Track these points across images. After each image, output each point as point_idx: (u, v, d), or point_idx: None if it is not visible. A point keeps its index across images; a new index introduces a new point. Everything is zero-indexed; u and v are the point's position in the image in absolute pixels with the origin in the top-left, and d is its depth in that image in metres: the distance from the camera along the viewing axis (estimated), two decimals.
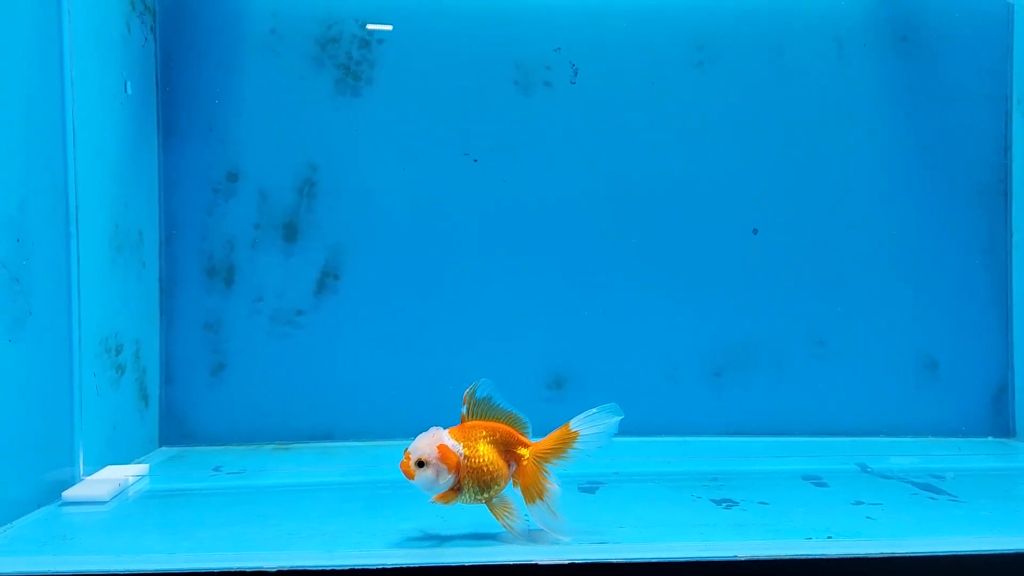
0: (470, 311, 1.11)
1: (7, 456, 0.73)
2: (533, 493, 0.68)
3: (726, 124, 1.11)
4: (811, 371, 1.12)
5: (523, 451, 0.69)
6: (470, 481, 0.67)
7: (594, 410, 0.68)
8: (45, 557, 0.64)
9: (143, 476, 0.91)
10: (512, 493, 0.70)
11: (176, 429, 1.10)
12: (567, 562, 0.64)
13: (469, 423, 0.68)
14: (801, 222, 1.12)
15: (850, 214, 1.12)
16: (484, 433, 0.68)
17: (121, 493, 0.84)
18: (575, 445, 0.68)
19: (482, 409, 0.69)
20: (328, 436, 1.12)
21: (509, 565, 0.63)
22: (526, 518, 0.69)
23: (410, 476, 0.67)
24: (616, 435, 1.13)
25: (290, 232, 1.11)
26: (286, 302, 1.11)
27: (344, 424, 1.12)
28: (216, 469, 0.96)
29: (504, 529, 0.68)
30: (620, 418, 0.69)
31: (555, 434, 0.69)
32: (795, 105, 1.12)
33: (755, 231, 1.12)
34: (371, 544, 0.67)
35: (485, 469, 0.67)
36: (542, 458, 0.69)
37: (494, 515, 0.69)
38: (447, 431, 0.68)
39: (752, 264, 1.12)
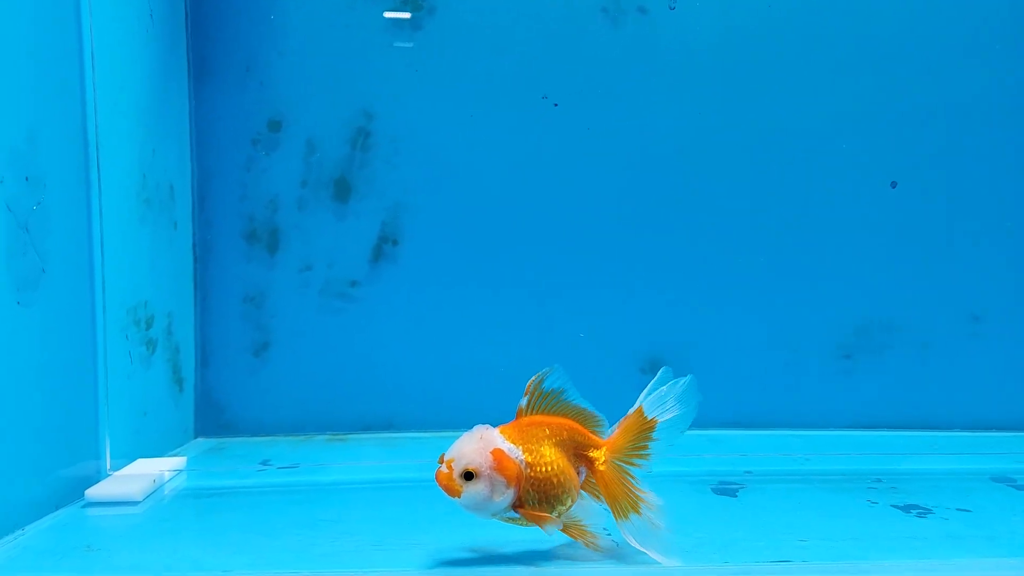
0: (550, 282, 0.95)
1: (18, 445, 0.59)
2: (625, 505, 0.51)
3: (858, 55, 0.93)
4: (964, 353, 0.94)
5: (596, 453, 0.52)
6: (533, 496, 0.50)
7: (663, 388, 0.52)
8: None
9: (180, 471, 0.76)
10: (584, 505, 0.53)
11: (214, 417, 0.96)
12: None
13: (527, 419, 0.52)
14: (950, 172, 0.94)
15: (1010, 161, 0.94)
16: (547, 432, 0.51)
17: (156, 491, 0.70)
18: (654, 436, 0.52)
19: (548, 403, 0.52)
20: (388, 426, 0.97)
21: None
22: (606, 531, 0.52)
23: (453, 493, 0.49)
24: (726, 427, 0.99)
25: (342, 190, 0.97)
26: (338, 272, 0.96)
27: (406, 412, 0.97)
28: (264, 463, 0.82)
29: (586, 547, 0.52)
30: (699, 396, 0.52)
31: (627, 424, 0.52)
32: (941, 33, 0.94)
33: (894, 184, 0.94)
34: (458, 561, 0.52)
35: (554, 480, 0.50)
36: (620, 458, 0.52)
37: (570, 536, 0.52)
38: (499, 430, 0.51)
39: (890, 224, 0.94)
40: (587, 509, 0.53)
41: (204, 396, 0.95)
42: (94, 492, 0.66)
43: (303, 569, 0.51)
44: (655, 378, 0.53)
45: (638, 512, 0.51)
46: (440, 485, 0.49)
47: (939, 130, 0.94)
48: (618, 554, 0.51)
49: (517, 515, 0.51)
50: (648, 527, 0.50)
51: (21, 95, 0.61)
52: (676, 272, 0.95)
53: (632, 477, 0.52)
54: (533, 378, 0.52)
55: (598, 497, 0.53)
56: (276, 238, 0.96)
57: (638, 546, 0.51)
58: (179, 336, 0.89)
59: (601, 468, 0.52)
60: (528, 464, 0.50)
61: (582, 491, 0.53)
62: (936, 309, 0.94)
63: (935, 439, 0.91)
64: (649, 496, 0.52)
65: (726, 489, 0.70)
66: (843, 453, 0.83)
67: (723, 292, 0.95)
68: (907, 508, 0.64)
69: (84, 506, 0.66)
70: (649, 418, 0.52)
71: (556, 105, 0.96)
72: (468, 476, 0.49)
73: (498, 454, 0.50)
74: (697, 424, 0.93)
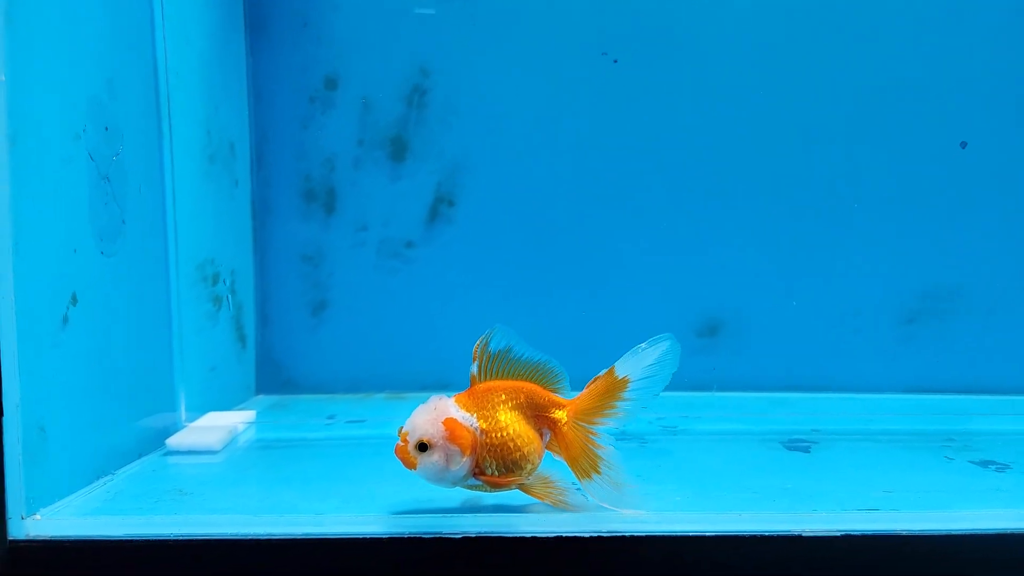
0: (607, 241, 0.93)
1: (107, 394, 0.60)
2: (584, 466, 0.51)
3: (926, 10, 0.89)
4: None
5: (559, 413, 0.51)
6: (492, 463, 0.50)
7: (643, 345, 0.51)
8: (169, 517, 0.51)
9: (251, 424, 0.78)
10: (550, 465, 0.53)
11: (274, 375, 0.96)
12: (839, 533, 0.49)
13: (482, 385, 0.51)
14: (1021, 132, 0.90)
15: None
16: (503, 397, 0.50)
17: (231, 442, 0.71)
18: (625, 396, 0.50)
19: (499, 365, 0.51)
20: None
21: (765, 536, 0.49)
22: (575, 486, 0.52)
23: (410, 464, 0.49)
24: (787, 390, 0.99)
25: (398, 149, 0.96)
26: (394, 231, 0.96)
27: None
28: (330, 417, 0.83)
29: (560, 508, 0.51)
30: (678, 355, 0.51)
31: (597, 385, 0.51)
32: None
33: (963, 144, 0.91)
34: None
35: (510, 445, 0.50)
36: (585, 419, 0.51)
37: (535, 498, 0.52)
38: (453, 399, 0.51)
39: (958, 186, 0.90)
40: (552, 469, 0.53)
41: (264, 354, 0.96)
42: (175, 441, 0.68)
43: (390, 513, 0.52)
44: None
45: (598, 472, 0.50)
46: (398, 458, 0.49)
47: (1011, 88, 0.91)
48: (593, 507, 0.51)
49: (479, 482, 0.50)
50: (610, 485, 0.50)
51: (100, 43, 0.61)
52: (736, 234, 0.93)
53: (595, 435, 0.51)
54: (478, 342, 0.52)
55: (559, 456, 0.53)
56: (333, 197, 0.96)
57: (603, 504, 0.50)
58: (241, 294, 0.90)
59: (564, 429, 0.52)
60: (483, 431, 0.50)
61: (548, 451, 0.53)
62: (1003, 274, 0.92)
63: (1000, 403, 0.89)
64: (607, 451, 0.50)
65: (797, 446, 0.69)
66: (910, 414, 0.82)
67: (783, 255, 0.93)
68: (984, 464, 0.64)
69: (165, 454, 0.67)
70: (620, 376, 0.51)
71: (616, 61, 0.95)
72: (423, 447, 0.49)
73: (450, 423, 0.49)
74: (758, 386, 0.95)
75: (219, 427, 0.71)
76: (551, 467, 0.53)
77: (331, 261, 0.98)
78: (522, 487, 0.52)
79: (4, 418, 0.47)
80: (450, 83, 0.95)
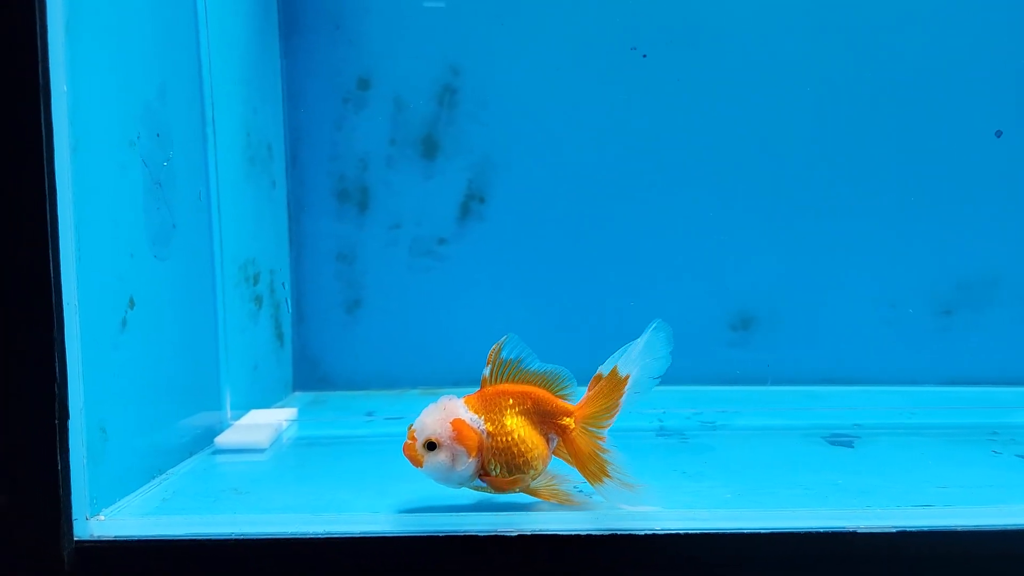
0: (639, 237, 0.94)
1: (161, 394, 0.61)
2: (594, 470, 0.51)
3: (961, 3, 0.90)
4: None
5: (567, 420, 0.52)
6: (497, 465, 0.51)
7: (640, 341, 0.51)
8: (230, 516, 0.52)
9: (293, 421, 0.79)
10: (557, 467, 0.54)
11: (310, 372, 0.98)
12: (894, 529, 0.50)
13: (492, 388, 0.52)
14: None
15: None
16: (511, 401, 0.51)
17: (277, 440, 0.73)
18: (625, 392, 0.51)
19: (510, 371, 0.52)
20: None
21: (819, 533, 0.49)
22: (577, 487, 0.53)
23: (417, 463, 0.51)
24: (823, 383, 0.95)
25: (429, 148, 0.97)
26: (426, 229, 0.96)
27: None
28: (369, 414, 0.84)
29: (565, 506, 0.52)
30: (668, 335, 0.52)
31: (600, 387, 0.52)
32: None
33: (999, 134, 0.91)
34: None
35: (514, 450, 0.50)
36: (592, 423, 0.52)
37: (541, 498, 0.53)
38: (463, 400, 0.52)
39: (994, 176, 0.91)
40: (558, 473, 0.53)
41: (301, 351, 0.97)
42: (223, 440, 0.69)
43: (443, 511, 0.53)
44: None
45: (608, 475, 0.51)
46: (406, 456, 0.51)
47: None
48: (599, 505, 0.51)
49: (484, 484, 0.51)
50: (622, 487, 0.50)
51: (152, 51, 0.62)
52: (770, 227, 0.93)
53: (601, 439, 0.52)
54: (493, 348, 0.52)
55: (571, 463, 0.54)
56: (366, 196, 0.97)
57: (619, 504, 0.50)
58: (279, 293, 0.91)
59: (572, 435, 0.52)
60: (489, 433, 0.51)
61: (555, 457, 0.53)
62: None
63: None
64: (613, 455, 0.51)
65: (840, 440, 0.70)
66: (951, 407, 0.82)
67: (818, 248, 0.93)
68: None
69: (214, 453, 0.68)
70: (622, 375, 0.51)
71: (645, 56, 0.95)
72: (431, 446, 0.50)
73: (458, 424, 0.50)
74: (792, 380, 0.95)
75: (265, 425, 0.72)
76: (557, 469, 0.54)
77: (365, 259, 0.98)
78: (527, 490, 0.53)
79: (70, 420, 0.49)
80: (480, 81, 0.96)
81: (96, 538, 0.50)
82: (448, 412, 0.51)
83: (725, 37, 0.93)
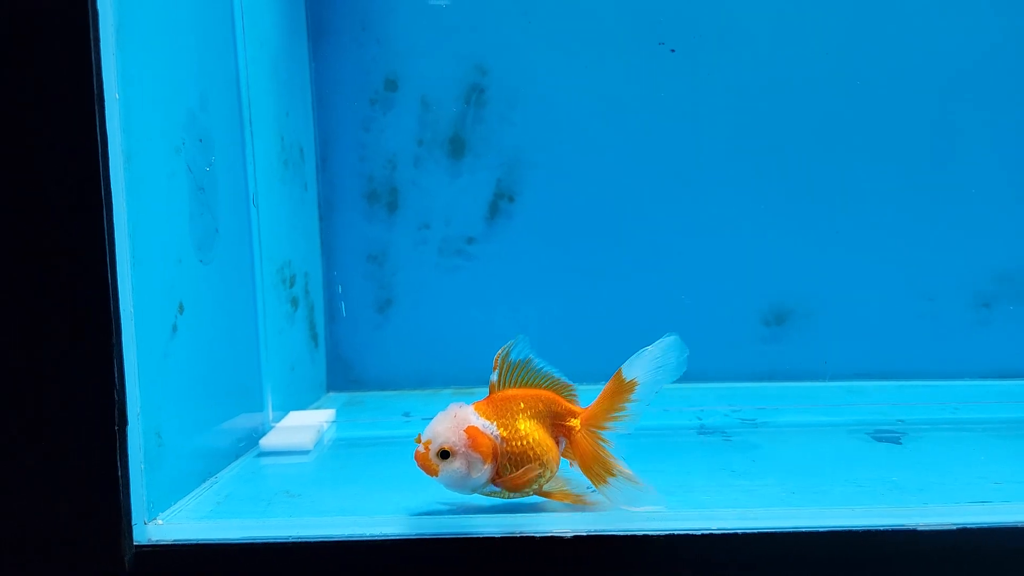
0: (670, 233, 0.94)
1: (210, 397, 0.62)
2: (599, 472, 0.51)
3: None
4: None
5: (573, 421, 0.52)
6: (512, 470, 0.50)
7: (650, 348, 0.51)
8: (286, 520, 0.52)
9: (332, 422, 0.79)
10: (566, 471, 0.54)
11: (343, 372, 0.98)
12: (954, 526, 0.49)
13: (500, 394, 0.52)
14: None
15: None
16: (523, 405, 0.51)
17: (319, 442, 0.73)
18: (633, 398, 0.51)
19: (519, 375, 0.52)
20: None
21: (880, 530, 0.49)
22: (589, 488, 0.52)
23: (431, 471, 0.50)
24: (860, 378, 0.95)
25: (457, 148, 0.97)
26: (455, 229, 0.96)
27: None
28: (406, 415, 0.84)
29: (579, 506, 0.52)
30: (686, 354, 0.51)
31: (606, 390, 0.52)
32: None
33: None
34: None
35: (530, 453, 0.50)
36: (596, 425, 0.52)
37: (554, 499, 0.53)
38: (473, 407, 0.52)
39: None
40: (568, 475, 0.53)
41: (333, 352, 0.97)
42: (267, 442, 0.69)
43: (492, 512, 0.53)
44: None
45: (612, 475, 0.51)
46: (419, 465, 0.51)
47: None
48: (614, 505, 0.51)
49: (498, 489, 0.51)
50: (627, 485, 0.50)
51: (194, 57, 0.62)
52: (803, 219, 0.92)
53: (606, 442, 0.52)
54: (499, 351, 0.52)
55: (574, 464, 0.54)
56: (395, 197, 0.97)
57: (625, 506, 0.51)
58: (313, 294, 0.91)
59: (577, 437, 0.52)
60: (504, 439, 0.50)
61: (564, 459, 0.53)
62: None
63: None
64: (619, 465, 0.51)
65: (886, 436, 0.69)
66: (994, 401, 0.81)
67: (852, 240, 0.92)
68: None
69: (259, 455, 0.68)
70: (628, 380, 0.51)
71: (673, 51, 0.94)
72: (444, 455, 0.50)
73: (472, 431, 0.50)
74: (832, 375, 0.95)
75: (307, 427, 0.72)
76: (566, 472, 0.54)
77: (395, 259, 0.98)
78: (540, 492, 0.53)
79: (128, 426, 0.49)
80: (507, 80, 0.96)
81: (155, 542, 0.51)
82: (460, 419, 0.51)
83: (755, 31, 0.92)
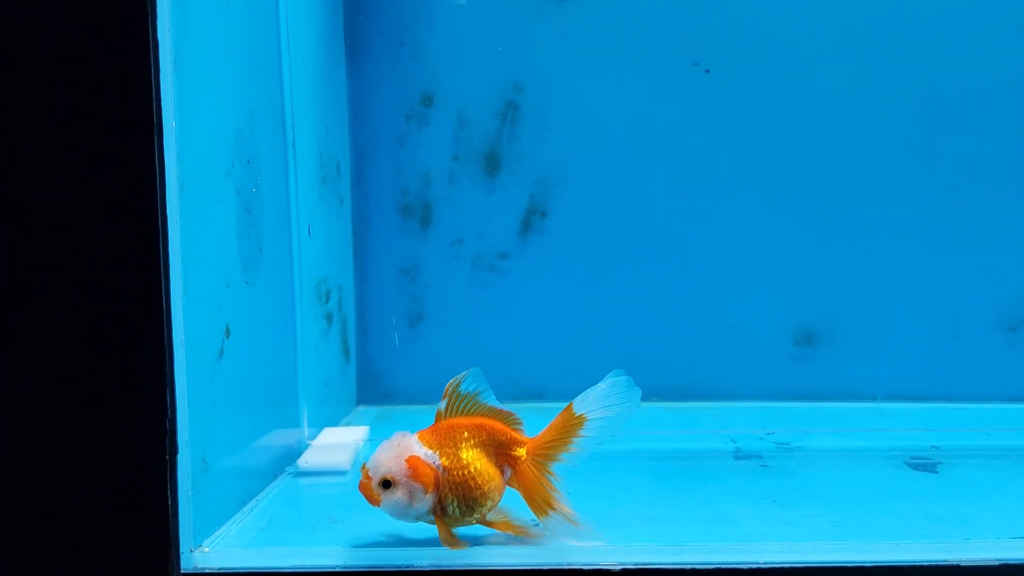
0: (700, 252, 0.93)
1: (252, 418, 0.62)
2: (540, 503, 0.52)
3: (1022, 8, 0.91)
4: None
5: (519, 451, 0.52)
6: (454, 499, 0.51)
7: (602, 385, 0.52)
8: (331, 548, 0.52)
9: (367, 441, 0.80)
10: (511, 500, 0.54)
11: (374, 386, 0.98)
12: (996, 562, 0.49)
13: (445, 423, 0.52)
14: None
15: None
16: (466, 434, 0.51)
17: (356, 460, 0.73)
18: (582, 433, 0.51)
19: (466, 405, 0.52)
20: (540, 395, 0.98)
21: (924, 566, 0.49)
22: (534, 522, 0.53)
23: (374, 502, 0.51)
24: (886, 400, 0.96)
25: (491, 164, 0.97)
26: (488, 244, 0.97)
27: (557, 382, 0.98)
28: None
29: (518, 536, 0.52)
30: (638, 394, 0.51)
31: (554, 422, 0.53)
32: None
33: None
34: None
35: (471, 483, 0.50)
36: (544, 456, 0.52)
37: (495, 528, 0.53)
38: (416, 435, 0.52)
39: None
40: (513, 507, 0.53)
41: (364, 366, 0.98)
42: (305, 462, 0.69)
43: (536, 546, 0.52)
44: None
45: (553, 508, 0.51)
46: (362, 494, 0.51)
47: None
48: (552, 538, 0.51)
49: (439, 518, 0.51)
50: (564, 523, 0.51)
51: (243, 79, 0.63)
52: (835, 241, 0.92)
53: (552, 475, 0.52)
54: (451, 381, 0.53)
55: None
56: (429, 212, 0.97)
57: (565, 540, 0.51)
58: (346, 308, 0.92)
59: (522, 467, 0.52)
60: (445, 468, 0.51)
61: (510, 488, 0.53)
62: None
63: None
64: (559, 502, 0.51)
65: (922, 465, 0.69)
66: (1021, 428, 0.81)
67: (883, 262, 0.92)
68: None
69: (297, 475, 0.69)
70: (578, 414, 0.51)
71: (707, 71, 0.94)
72: (386, 484, 0.50)
73: (413, 461, 0.50)
74: (859, 396, 0.94)
75: (343, 445, 0.72)
76: (511, 503, 0.54)
77: (427, 274, 0.99)
78: (483, 521, 0.53)
79: (178, 455, 0.49)
80: (542, 98, 0.96)
81: (201, 570, 0.51)
82: (403, 449, 0.51)
83: (788, 51, 0.92)
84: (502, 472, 0.53)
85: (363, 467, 0.52)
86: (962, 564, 0.49)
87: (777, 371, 0.96)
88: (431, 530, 0.53)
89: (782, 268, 0.94)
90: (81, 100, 0.47)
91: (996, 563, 0.49)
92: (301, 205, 0.74)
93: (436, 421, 0.53)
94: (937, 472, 0.67)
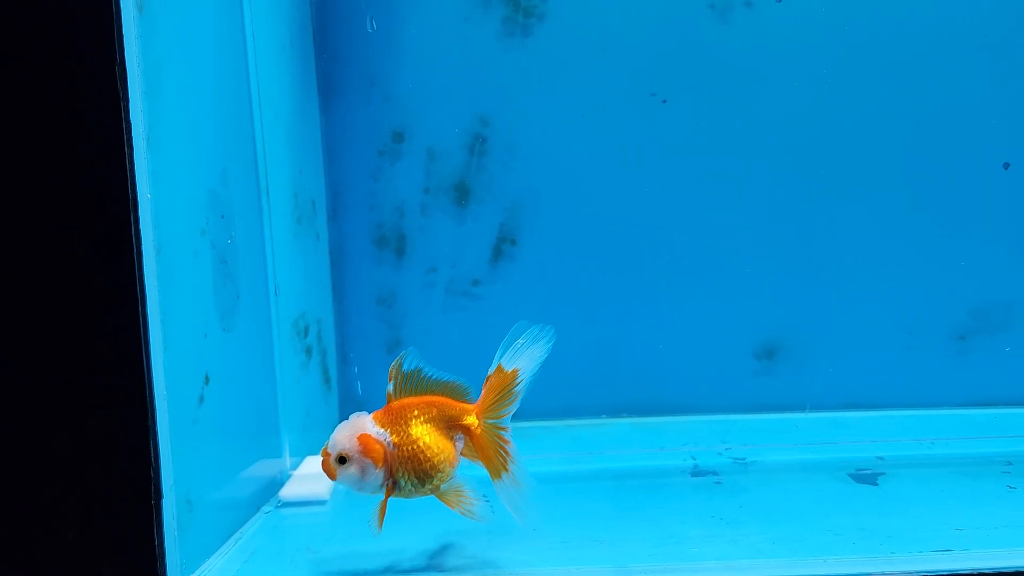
0: (663, 273, 0.98)
1: (234, 455, 0.67)
2: (497, 464, 0.57)
3: (968, 37, 0.93)
4: None
5: (470, 420, 0.58)
6: (406, 473, 0.56)
7: (520, 341, 0.58)
8: None
9: None
10: (466, 472, 0.58)
11: (355, 411, 1.04)
12: (918, 574, 0.54)
13: (397, 402, 0.57)
14: None
15: None
16: (416, 412, 0.56)
17: (335, 488, 0.78)
18: (517, 381, 0.58)
19: (412, 384, 0.57)
20: (515, 416, 1.03)
21: None
22: (485, 498, 0.58)
23: (332, 476, 0.56)
24: (845, 409, 1.00)
25: (462, 195, 1.01)
26: (461, 271, 1.01)
27: (529, 400, 1.02)
28: None
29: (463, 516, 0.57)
30: (550, 331, 0.59)
31: (491, 384, 0.58)
32: None
33: (1007, 166, 0.95)
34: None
35: (421, 457, 0.55)
36: (493, 417, 0.58)
37: (447, 504, 0.58)
38: (371, 416, 0.57)
39: (1004, 206, 0.95)
40: (466, 480, 0.58)
41: (345, 393, 1.02)
42: (287, 493, 0.74)
43: (534, 567, 0.57)
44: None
45: (507, 470, 0.56)
46: (324, 471, 0.57)
47: None
48: (494, 518, 0.56)
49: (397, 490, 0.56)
50: (513, 485, 0.56)
51: (215, 137, 0.67)
52: (788, 260, 0.97)
53: (504, 428, 0.58)
54: (393, 364, 0.57)
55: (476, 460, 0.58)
56: (403, 243, 1.01)
57: (508, 507, 0.56)
58: (326, 339, 0.96)
59: (476, 432, 0.58)
60: (395, 444, 0.56)
61: (467, 459, 0.58)
62: None
63: None
64: (511, 448, 0.57)
65: (864, 476, 0.74)
66: (968, 437, 0.85)
67: (838, 278, 0.97)
68: None
69: (280, 506, 0.73)
70: (510, 370, 0.57)
71: (665, 102, 0.98)
72: (342, 460, 0.56)
73: (364, 438, 0.56)
74: (817, 407, 0.99)
75: (322, 475, 0.76)
76: (467, 478, 0.59)
77: (403, 302, 1.03)
78: (438, 493, 0.58)
79: (163, 500, 0.54)
80: (508, 130, 1.00)
81: None
82: (356, 428, 0.57)
83: (741, 80, 0.96)
84: (455, 443, 0.57)
85: (324, 447, 0.57)
86: None
87: (739, 385, 1.01)
88: (400, 559, 0.58)
89: (744, 285, 0.99)
90: (62, 180, 0.51)
91: (917, 575, 0.54)
92: (277, 248, 0.78)
93: (387, 402, 0.58)
94: (877, 484, 0.72)
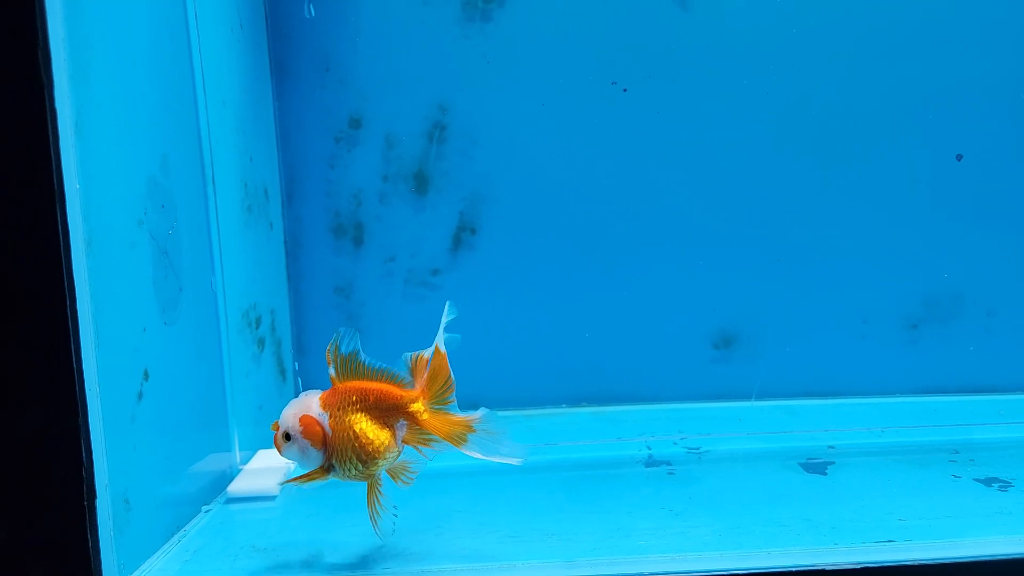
0: (623, 262, 0.98)
1: (178, 449, 0.65)
2: (458, 435, 0.57)
3: (920, 28, 0.94)
4: None
5: (416, 406, 0.58)
6: (342, 457, 0.56)
7: (442, 327, 0.59)
8: None
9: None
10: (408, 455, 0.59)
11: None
12: (858, 565, 0.54)
13: (342, 385, 0.57)
14: (1014, 144, 0.95)
15: None
16: (354, 398, 0.57)
17: (284, 486, 0.76)
18: (444, 353, 0.58)
19: (351, 366, 0.57)
20: (474, 404, 1.01)
21: (792, 571, 0.53)
22: (395, 511, 0.58)
23: (280, 450, 0.57)
24: (800, 397, 1.01)
25: (421, 183, 1.00)
26: (420, 261, 1.00)
27: (490, 391, 1.02)
28: None
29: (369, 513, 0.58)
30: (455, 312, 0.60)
31: (434, 367, 0.58)
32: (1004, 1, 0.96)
33: (959, 157, 0.96)
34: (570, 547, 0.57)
35: (355, 443, 0.56)
36: (441, 400, 0.58)
37: (367, 498, 0.58)
38: (319, 396, 0.57)
39: (955, 197, 0.96)
40: (409, 459, 0.59)
41: (304, 384, 1.01)
42: (235, 488, 0.72)
43: (478, 560, 0.57)
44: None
45: (473, 431, 0.57)
46: (275, 444, 0.57)
47: (1003, 103, 0.95)
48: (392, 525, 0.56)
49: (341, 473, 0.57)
50: (488, 438, 0.57)
51: (154, 124, 0.65)
52: (746, 249, 0.98)
53: (452, 403, 0.58)
54: (329, 347, 0.57)
55: (428, 443, 0.58)
56: (361, 231, 1.00)
57: (489, 458, 0.56)
58: (280, 330, 0.95)
59: (424, 417, 0.58)
60: (332, 429, 0.56)
61: (408, 446, 0.58)
62: (1002, 279, 0.97)
63: (1001, 403, 0.95)
64: (474, 416, 0.58)
65: (814, 466, 0.74)
66: (918, 425, 0.86)
67: (793, 268, 0.98)
68: (988, 481, 0.69)
69: (227, 502, 0.71)
70: (437, 348, 0.58)
71: (625, 90, 0.98)
72: (287, 437, 0.57)
73: (305, 419, 0.56)
74: (773, 395, 0.99)
75: (272, 469, 0.75)
76: (408, 455, 0.59)
77: (362, 291, 1.02)
78: (391, 473, 0.58)
79: (97, 499, 0.52)
80: (468, 118, 0.99)
81: None
82: (301, 408, 0.57)
83: (699, 69, 0.97)
84: (394, 431, 0.57)
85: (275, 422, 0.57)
86: (827, 569, 0.54)
87: (696, 374, 1.01)
88: (351, 553, 0.58)
89: (702, 274, 0.99)
90: None
91: (858, 566, 0.54)
92: (224, 238, 0.76)
93: (332, 385, 0.57)
94: (826, 474, 0.72)
